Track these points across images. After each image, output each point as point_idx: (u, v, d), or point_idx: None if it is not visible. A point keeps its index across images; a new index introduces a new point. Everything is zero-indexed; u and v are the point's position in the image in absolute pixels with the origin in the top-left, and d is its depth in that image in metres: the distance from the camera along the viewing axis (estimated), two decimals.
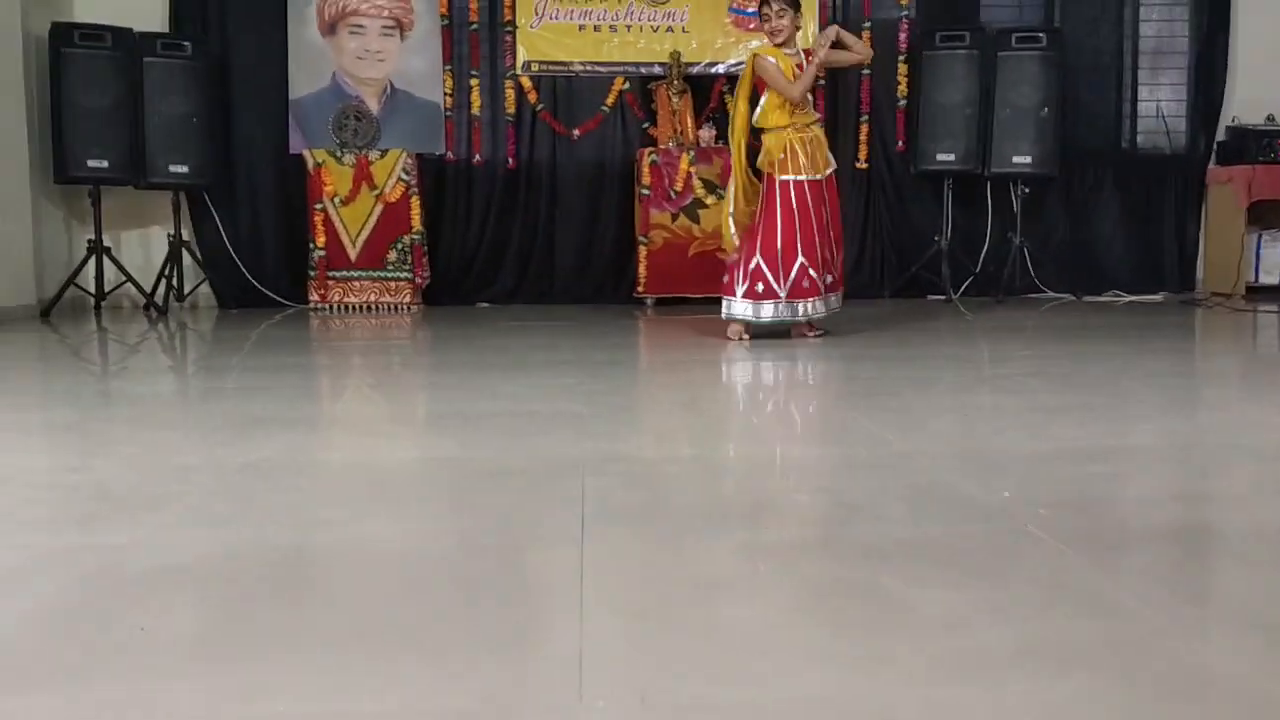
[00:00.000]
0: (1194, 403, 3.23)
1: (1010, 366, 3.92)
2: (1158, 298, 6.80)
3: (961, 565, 1.54)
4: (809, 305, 4.42)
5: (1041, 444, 2.42)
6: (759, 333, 4.51)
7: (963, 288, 6.80)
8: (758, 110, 4.45)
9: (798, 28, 4.49)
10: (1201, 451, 2.43)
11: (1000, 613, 1.34)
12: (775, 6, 4.40)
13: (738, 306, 4.45)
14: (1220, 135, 7.01)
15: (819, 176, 4.43)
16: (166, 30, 6.56)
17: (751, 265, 4.42)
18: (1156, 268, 7.10)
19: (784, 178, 4.40)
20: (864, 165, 6.98)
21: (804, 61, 4.43)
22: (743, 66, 4.68)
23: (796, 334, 4.54)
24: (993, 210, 6.96)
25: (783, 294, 4.39)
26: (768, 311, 4.40)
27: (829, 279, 4.47)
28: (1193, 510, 1.93)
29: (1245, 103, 6.93)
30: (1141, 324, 5.33)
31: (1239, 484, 2.12)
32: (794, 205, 4.39)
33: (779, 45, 4.42)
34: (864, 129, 6.95)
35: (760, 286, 4.39)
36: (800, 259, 4.37)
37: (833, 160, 4.55)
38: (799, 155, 4.40)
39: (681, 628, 1.31)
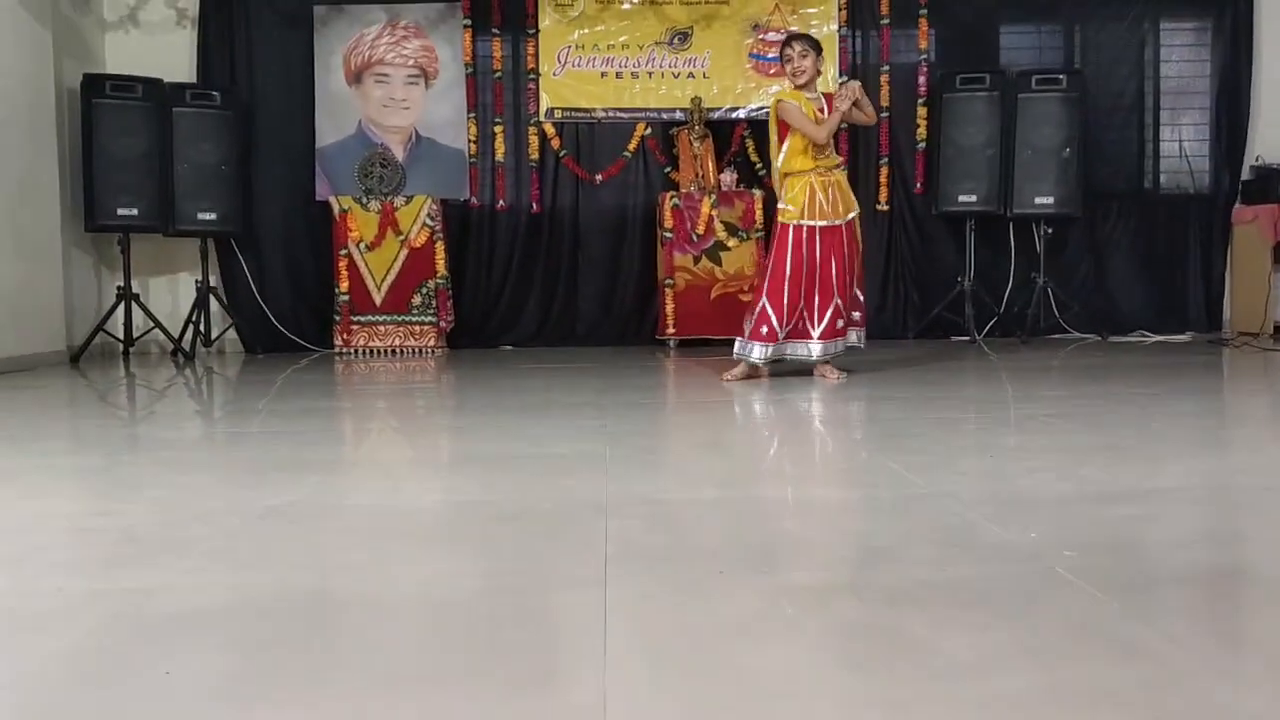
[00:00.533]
0: (1224, 443, 3.19)
1: (1036, 407, 3.89)
2: (1184, 337, 6.75)
3: (989, 608, 1.52)
4: (802, 347, 4.51)
5: (1069, 485, 2.40)
6: (779, 370, 4.53)
7: (987, 328, 6.78)
8: (782, 154, 4.49)
9: (819, 71, 4.53)
10: (1233, 493, 2.40)
11: (1029, 656, 1.32)
12: (798, 48, 4.44)
13: (742, 347, 4.54)
14: (1245, 174, 6.98)
15: (839, 222, 4.46)
16: (196, 81, 6.69)
17: (759, 308, 4.48)
18: (1182, 307, 7.06)
19: (798, 223, 4.44)
20: (885, 207, 7.01)
21: (824, 105, 4.46)
22: (764, 112, 4.71)
23: (817, 374, 4.55)
24: (1016, 251, 6.96)
25: (781, 335, 4.48)
26: (760, 353, 4.48)
27: (840, 323, 4.50)
28: (1224, 553, 1.90)
29: (1269, 141, 6.92)
30: (1169, 364, 5.29)
31: (1271, 526, 2.09)
32: (803, 251, 4.45)
33: (800, 87, 4.46)
34: (884, 171, 6.99)
35: (765, 329, 4.46)
36: (801, 303, 4.46)
37: (856, 204, 4.58)
38: (818, 200, 4.43)
39: (706, 673, 1.30)
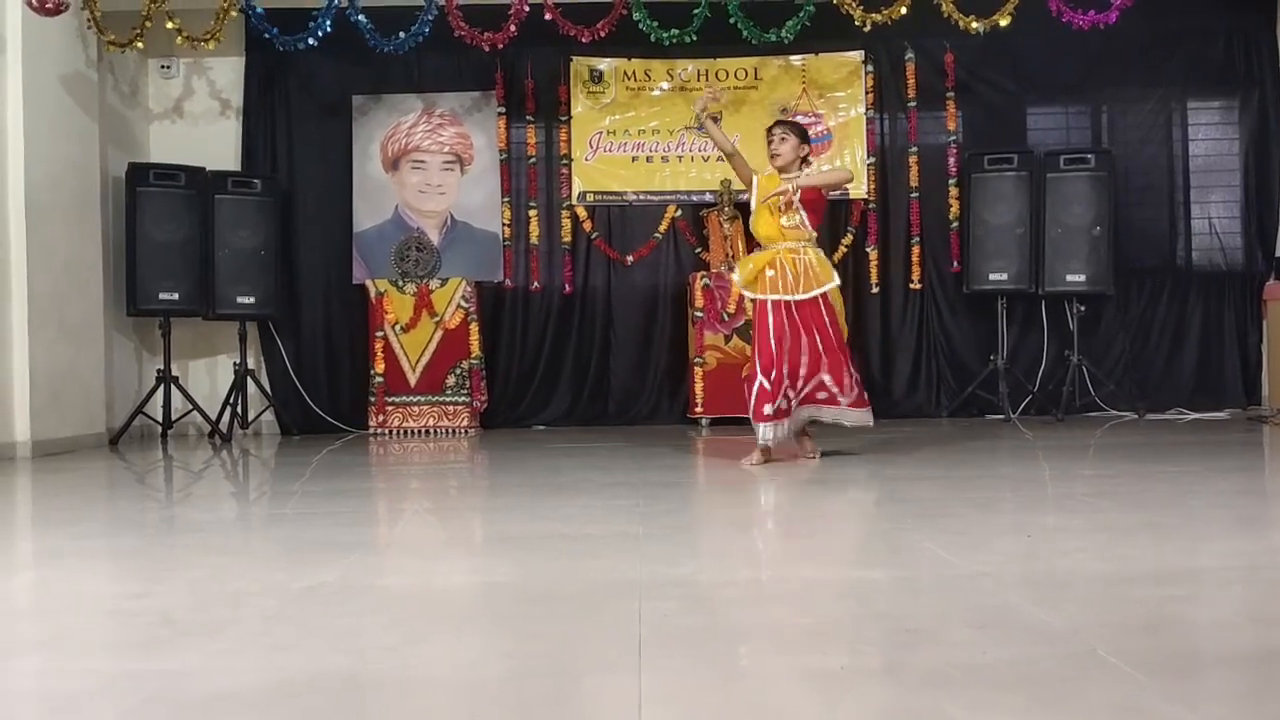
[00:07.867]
0: (1266, 523, 3.13)
1: (1074, 486, 3.85)
2: (1222, 414, 6.66)
3: (1028, 690, 1.49)
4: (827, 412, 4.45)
5: (1109, 565, 2.36)
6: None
7: (1021, 406, 6.73)
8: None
9: (801, 156, 4.60)
10: (1276, 573, 2.35)
11: None
12: (778, 133, 4.62)
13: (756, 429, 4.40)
14: (1277, 251, 6.94)
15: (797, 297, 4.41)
16: (239, 168, 6.86)
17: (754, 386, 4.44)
18: (1218, 384, 6.97)
19: (759, 297, 4.48)
20: (918, 285, 7.01)
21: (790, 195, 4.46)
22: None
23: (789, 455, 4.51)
24: (1049, 329, 6.93)
25: (792, 406, 4.41)
26: (767, 434, 4.36)
27: (821, 395, 4.42)
28: (1268, 634, 1.86)
29: None
30: (1207, 442, 5.22)
31: None
32: (769, 325, 4.42)
33: (779, 170, 4.57)
34: (916, 250, 7.00)
35: (767, 408, 4.35)
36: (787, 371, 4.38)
37: (825, 280, 4.46)
38: (774, 276, 4.44)
39: None
